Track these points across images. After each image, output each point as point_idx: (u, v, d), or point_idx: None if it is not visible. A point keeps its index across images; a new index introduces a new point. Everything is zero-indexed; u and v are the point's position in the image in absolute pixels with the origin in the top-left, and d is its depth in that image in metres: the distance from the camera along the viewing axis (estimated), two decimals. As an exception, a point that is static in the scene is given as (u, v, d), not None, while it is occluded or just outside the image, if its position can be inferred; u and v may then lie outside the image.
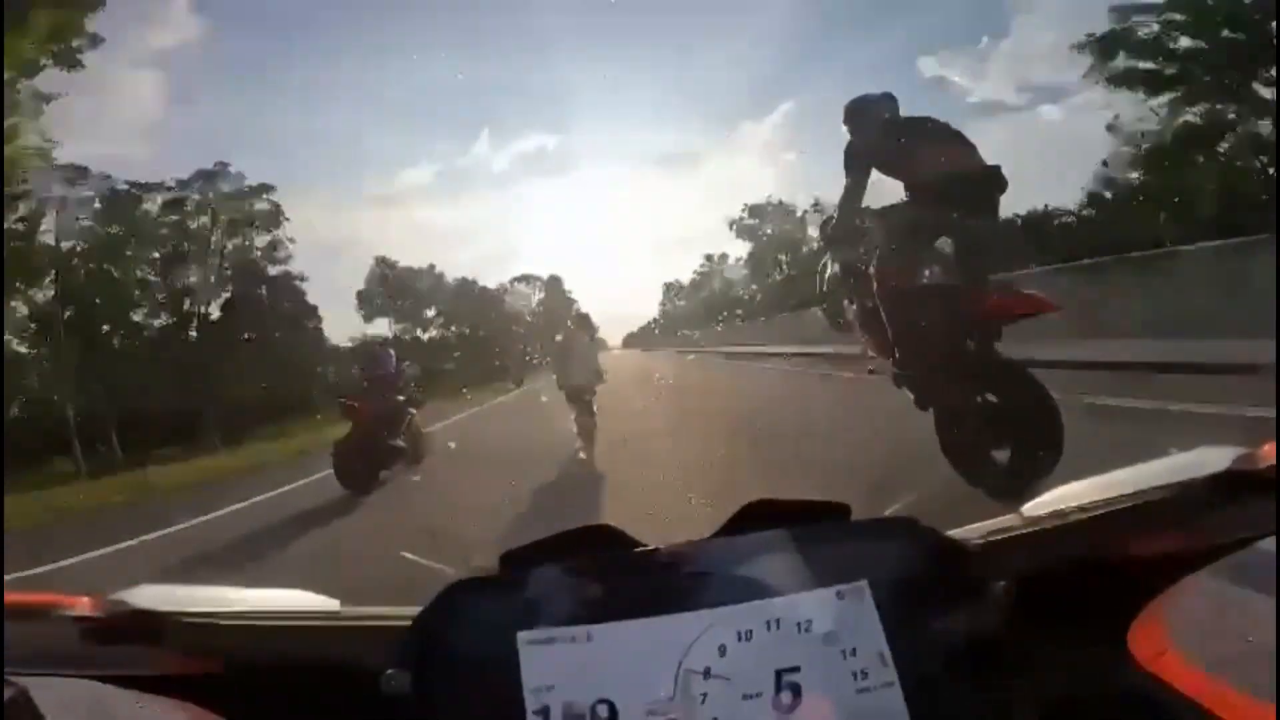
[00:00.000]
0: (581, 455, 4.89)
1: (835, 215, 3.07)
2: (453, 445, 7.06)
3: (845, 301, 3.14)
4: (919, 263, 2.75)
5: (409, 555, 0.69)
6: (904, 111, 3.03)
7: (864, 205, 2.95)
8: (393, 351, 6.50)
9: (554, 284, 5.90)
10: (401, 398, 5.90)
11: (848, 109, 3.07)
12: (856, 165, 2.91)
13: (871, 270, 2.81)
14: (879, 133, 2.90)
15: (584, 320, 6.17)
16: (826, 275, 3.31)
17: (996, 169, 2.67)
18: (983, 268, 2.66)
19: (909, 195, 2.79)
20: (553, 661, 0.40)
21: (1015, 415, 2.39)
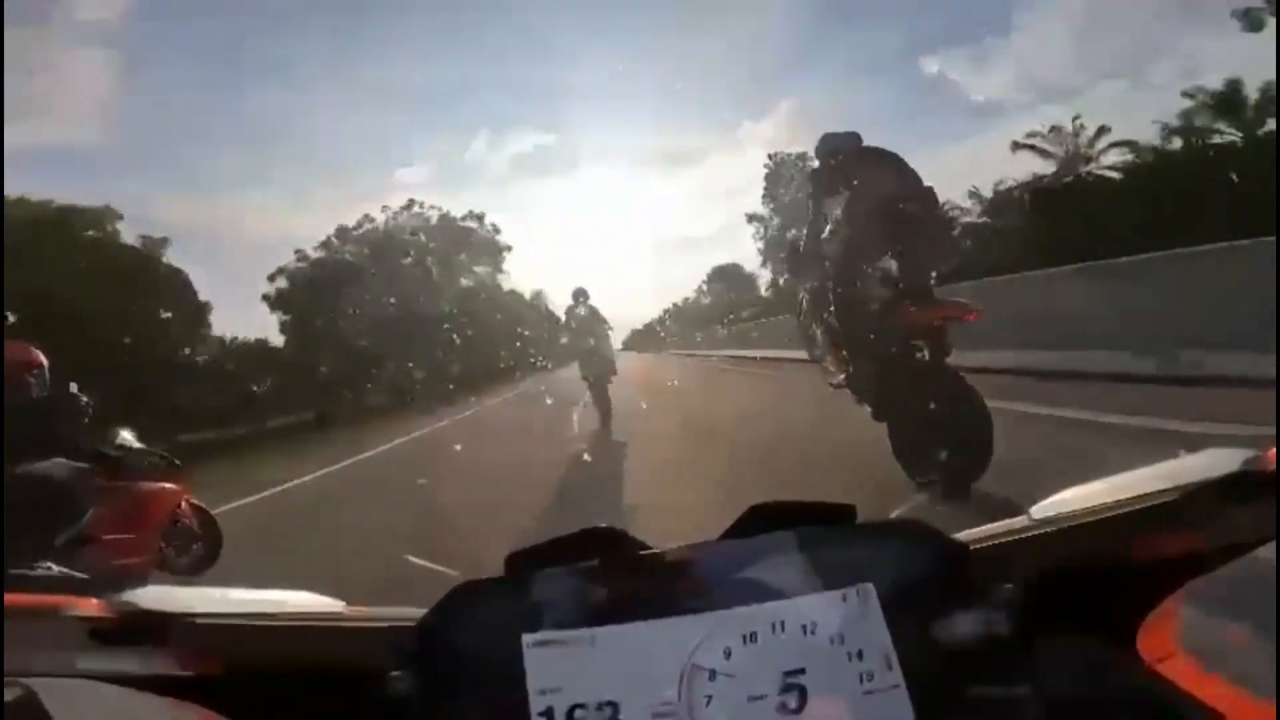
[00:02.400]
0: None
1: (800, 244, 3.42)
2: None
3: (814, 326, 3.40)
4: (867, 281, 3.01)
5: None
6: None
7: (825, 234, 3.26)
8: (42, 358, 2.98)
9: (580, 295, 6.82)
10: (79, 465, 2.81)
11: (816, 148, 3.36)
12: (816, 196, 3.31)
13: (829, 292, 3.14)
14: (833, 166, 3.21)
15: (598, 318, 6.75)
16: (799, 301, 3.61)
17: (929, 190, 3.01)
18: (922, 282, 2.88)
19: (854, 220, 3.04)
20: (558, 664, 0.40)
21: (953, 421, 2.59)
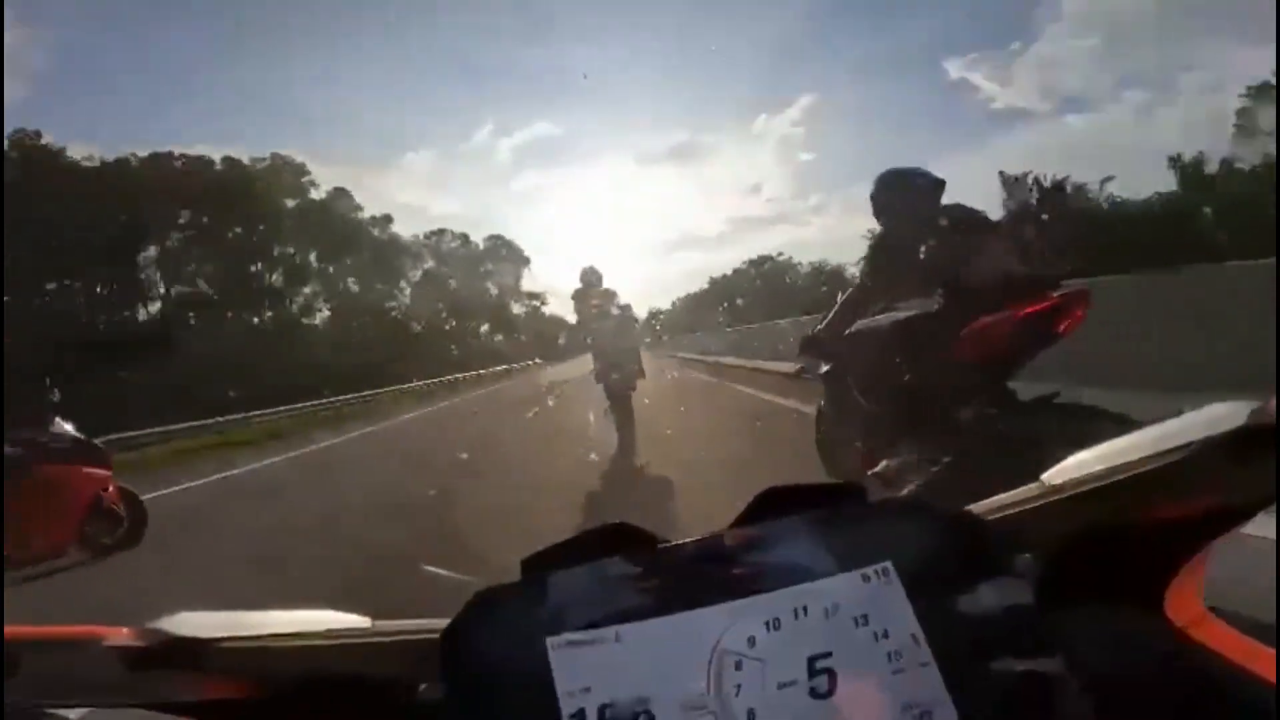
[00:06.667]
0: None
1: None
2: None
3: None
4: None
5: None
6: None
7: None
8: None
9: (590, 275, 5.22)
10: (16, 450, 3.42)
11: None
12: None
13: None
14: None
15: (615, 303, 5.35)
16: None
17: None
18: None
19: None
20: (584, 664, 0.40)
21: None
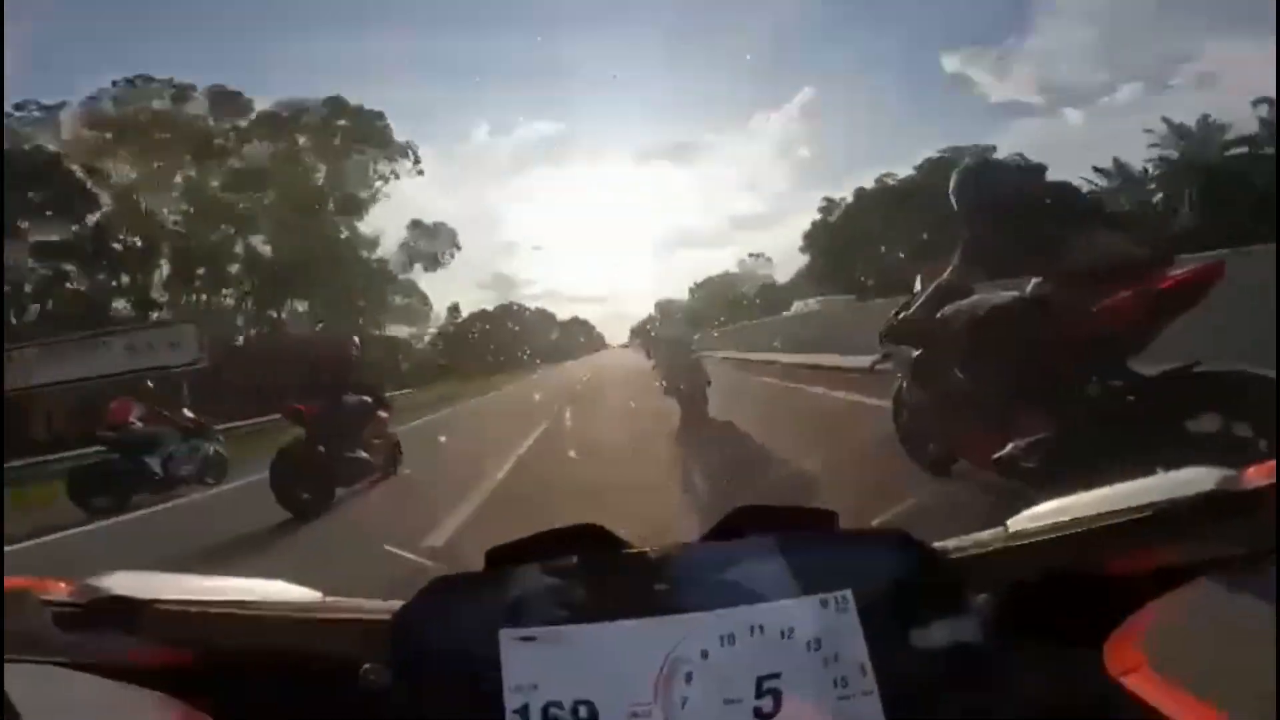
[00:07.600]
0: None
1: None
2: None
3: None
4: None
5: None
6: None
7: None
8: (357, 340, 6.23)
9: (666, 306, 6.82)
10: (367, 399, 5.18)
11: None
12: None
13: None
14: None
15: (680, 327, 6.54)
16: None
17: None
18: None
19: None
20: (535, 660, 0.39)
21: None
